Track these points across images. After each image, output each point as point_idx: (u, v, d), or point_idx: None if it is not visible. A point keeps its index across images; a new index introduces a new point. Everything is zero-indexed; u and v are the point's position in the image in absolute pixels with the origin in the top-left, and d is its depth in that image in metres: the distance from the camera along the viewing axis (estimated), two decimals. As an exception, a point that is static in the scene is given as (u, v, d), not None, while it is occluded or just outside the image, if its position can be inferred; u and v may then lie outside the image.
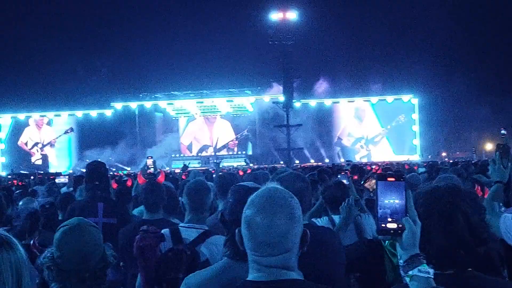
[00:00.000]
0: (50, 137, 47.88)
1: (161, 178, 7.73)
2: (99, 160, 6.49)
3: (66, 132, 46.87)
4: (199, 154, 46.34)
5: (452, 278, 2.35)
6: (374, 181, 5.24)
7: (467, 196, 2.46)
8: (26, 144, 48.04)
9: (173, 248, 3.75)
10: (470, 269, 2.38)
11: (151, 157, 8.16)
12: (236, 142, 47.05)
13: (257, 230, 2.15)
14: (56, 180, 10.44)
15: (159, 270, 3.51)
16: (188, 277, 2.88)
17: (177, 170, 21.30)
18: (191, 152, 47.10)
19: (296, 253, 2.21)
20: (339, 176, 5.60)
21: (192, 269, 3.43)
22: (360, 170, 10.34)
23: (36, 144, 48.06)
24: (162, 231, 3.95)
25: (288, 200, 2.21)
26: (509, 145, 3.99)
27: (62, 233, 2.87)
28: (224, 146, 47.43)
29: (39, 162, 47.46)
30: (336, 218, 5.23)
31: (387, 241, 4.19)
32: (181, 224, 4.15)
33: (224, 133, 47.56)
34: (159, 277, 3.54)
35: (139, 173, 7.98)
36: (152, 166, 7.84)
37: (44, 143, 47.90)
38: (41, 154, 48.23)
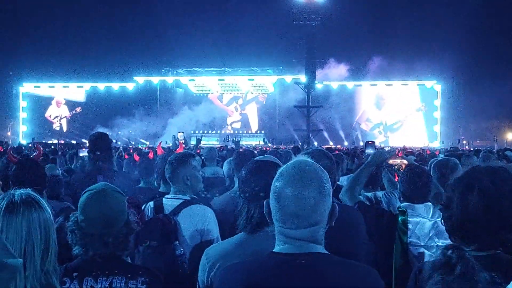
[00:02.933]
0: (66, 112, 49.12)
1: (179, 150, 7.74)
2: (101, 131, 6.45)
3: (74, 111, 47.98)
4: (218, 131, 46.38)
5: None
6: (398, 159, 5.23)
7: (504, 173, 2.44)
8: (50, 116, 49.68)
9: (150, 218, 3.98)
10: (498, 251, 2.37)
11: (182, 132, 8.18)
12: (265, 95, 47.03)
13: (286, 201, 2.15)
14: (80, 154, 10.51)
15: (137, 238, 3.61)
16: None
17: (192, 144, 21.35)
18: (221, 102, 47.49)
19: (324, 227, 2.22)
20: (367, 150, 5.59)
21: (168, 238, 3.75)
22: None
23: (56, 116, 49.48)
24: (148, 204, 4.20)
25: (319, 173, 2.21)
26: None
27: (86, 197, 2.90)
28: (254, 98, 47.48)
29: (57, 128, 49.57)
30: (370, 195, 5.24)
31: (400, 218, 4.21)
32: (166, 196, 4.25)
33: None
34: (137, 245, 3.67)
35: (158, 144, 7.98)
36: (183, 140, 7.86)
37: (62, 116, 49.45)
38: (59, 123, 49.83)
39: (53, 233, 2.38)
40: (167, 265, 3.72)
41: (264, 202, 2.29)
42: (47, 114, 49.57)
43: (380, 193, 5.50)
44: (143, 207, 4.20)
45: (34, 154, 5.62)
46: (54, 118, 49.60)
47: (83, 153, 10.04)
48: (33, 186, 4.12)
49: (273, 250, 2.24)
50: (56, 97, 49.03)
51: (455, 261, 1.93)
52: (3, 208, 2.29)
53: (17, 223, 2.27)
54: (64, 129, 49.10)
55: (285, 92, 43.54)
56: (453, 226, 2.42)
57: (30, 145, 29.85)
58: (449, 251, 1.96)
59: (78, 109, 48.56)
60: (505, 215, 2.34)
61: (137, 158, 7.95)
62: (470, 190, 2.38)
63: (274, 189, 2.22)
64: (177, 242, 3.85)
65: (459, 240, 2.39)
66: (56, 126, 49.50)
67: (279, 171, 2.26)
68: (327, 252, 2.22)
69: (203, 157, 8.55)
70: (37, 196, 2.40)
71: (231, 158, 6.12)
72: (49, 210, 2.40)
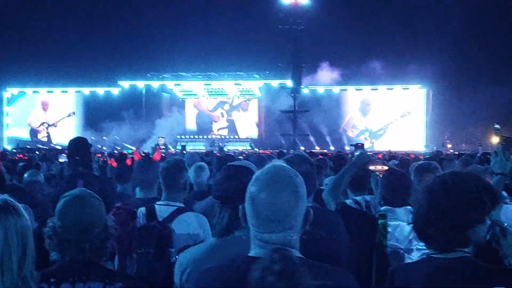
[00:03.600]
0: (54, 118, 48.33)
1: (157, 156, 7.73)
2: (80, 136, 6.45)
3: (69, 116, 47.34)
4: (204, 136, 46.31)
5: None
6: (379, 165, 5.26)
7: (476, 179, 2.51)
8: (31, 123, 48.79)
9: (145, 224, 3.87)
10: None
11: (163, 138, 8.16)
12: (249, 102, 46.98)
13: (261, 206, 2.17)
14: (60, 160, 10.41)
15: (131, 245, 3.59)
16: (181, 254, 2.92)
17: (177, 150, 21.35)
18: (207, 108, 47.51)
19: (299, 231, 2.23)
20: (357, 152, 5.62)
21: (163, 245, 3.67)
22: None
23: (42, 123, 48.61)
24: (139, 209, 4.05)
25: (293, 178, 2.23)
26: None
27: (63, 203, 2.90)
28: (236, 106, 47.43)
29: (45, 139, 47.89)
30: (359, 198, 5.27)
31: (380, 221, 4.26)
32: (158, 202, 4.23)
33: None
34: (131, 252, 3.64)
35: (135, 150, 7.98)
36: (164, 146, 7.85)
37: (50, 123, 48.47)
38: (46, 132, 48.73)
39: (30, 239, 2.38)
40: (162, 273, 3.71)
41: (240, 206, 2.31)
42: (30, 120, 48.48)
43: (368, 197, 5.53)
44: None
45: None
46: (40, 125, 48.60)
47: (63, 158, 10.01)
48: None
49: (249, 254, 2.26)
50: (43, 98, 48.15)
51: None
52: None
53: None
54: (53, 139, 47.72)
55: (272, 96, 43.56)
56: (415, 227, 2.54)
57: (14, 150, 29.75)
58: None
59: (72, 114, 47.78)
60: (453, 215, 2.42)
61: (114, 164, 7.96)
62: (422, 191, 2.49)
63: (249, 193, 2.23)
64: (173, 249, 3.84)
65: (424, 241, 2.51)
66: (42, 135, 48.42)
67: (254, 175, 2.28)
68: (301, 256, 2.23)
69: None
70: (14, 202, 2.40)
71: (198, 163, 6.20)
72: (26, 216, 2.40)
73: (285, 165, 2.32)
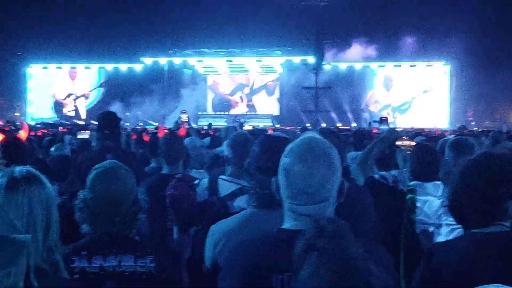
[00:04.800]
0: (84, 89, 48.14)
1: (182, 131, 7.69)
2: (110, 110, 6.43)
3: (100, 86, 47.31)
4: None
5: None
6: (407, 141, 5.21)
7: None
8: (56, 95, 48.50)
9: (205, 200, 3.75)
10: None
11: (185, 111, 8.12)
12: (277, 83, 46.82)
13: (295, 178, 2.15)
14: (79, 136, 10.26)
15: (192, 219, 3.52)
16: (214, 225, 2.89)
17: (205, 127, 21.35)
18: (224, 92, 47.22)
19: (333, 203, 2.21)
20: (382, 126, 5.56)
21: None
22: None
23: (69, 95, 48.36)
24: (202, 181, 3.89)
25: (328, 150, 2.20)
26: None
27: (95, 175, 2.90)
28: (263, 87, 47.28)
29: (72, 113, 47.86)
30: (385, 174, 5.21)
31: (408, 196, 4.21)
32: (222, 177, 4.00)
33: (263, 76, 47.57)
34: (190, 226, 3.56)
35: (160, 125, 7.95)
36: (187, 120, 7.81)
37: (78, 95, 48.18)
38: (74, 106, 48.50)
39: (54, 210, 2.38)
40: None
41: (273, 178, 2.28)
42: (55, 92, 48.18)
43: (395, 172, 5.48)
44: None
45: (20, 131, 5.64)
46: (66, 97, 48.38)
47: (82, 135, 9.98)
48: (17, 161, 4.14)
49: (282, 227, 2.24)
50: (64, 68, 47.73)
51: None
52: (3, 185, 2.29)
53: (18, 200, 2.26)
54: (83, 114, 47.70)
55: (293, 73, 43.36)
56: (451, 208, 2.51)
57: (38, 125, 29.98)
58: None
59: (104, 84, 47.53)
60: (488, 191, 2.40)
61: (146, 138, 7.96)
62: (457, 174, 2.47)
63: (283, 165, 2.21)
64: None
65: (461, 222, 2.48)
66: (69, 110, 48.26)
67: (288, 147, 2.25)
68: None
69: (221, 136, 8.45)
70: (38, 173, 2.40)
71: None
72: (50, 187, 2.40)
73: (318, 136, 2.29)
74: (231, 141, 4.11)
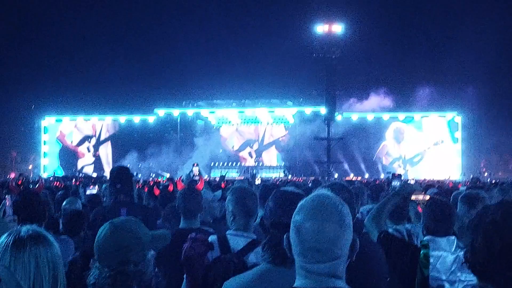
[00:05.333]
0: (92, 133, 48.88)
1: (200, 185, 7.68)
2: (122, 165, 6.46)
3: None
4: (241, 162, 46.26)
5: None
6: (421, 195, 5.18)
7: None
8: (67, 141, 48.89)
9: (221, 257, 3.69)
10: None
11: (197, 165, 8.14)
12: (287, 137, 46.80)
13: (307, 235, 2.13)
14: (87, 192, 10.12)
15: (207, 279, 3.48)
16: (228, 281, 2.87)
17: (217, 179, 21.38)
18: (232, 148, 47.12)
19: (345, 261, 2.19)
20: (394, 182, 5.56)
21: None
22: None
23: (87, 138, 48.84)
24: (210, 239, 3.87)
25: (339, 207, 2.19)
26: None
27: (100, 231, 2.88)
28: (272, 142, 47.29)
29: (90, 168, 48.03)
30: (400, 227, 5.17)
31: (422, 251, 4.16)
32: (229, 232, 4.00)
33: (272, 130, 47.55)
34: (206, 286, 3.50)
35: (178, 179, 7.94)
36: (198, 174, 7.81)
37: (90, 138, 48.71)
38: (93, 156, 48.88)
39: (61, 268, 2.37)
40: None
41: (285, 235, 2.27)
42: (69, 140, 48.78)
43: (409, 226, 5.44)
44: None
45: (36, 186, 5.65)
46: (81, 142, 48.80)
47: (91, 190, 9.95)
48: (30, 218, 4.13)
49: (294, 285, 2.22)
50: (78, 120, 48.52)
51: None
52: (10, 244, 2.29)
53: (25, 259, 2.26)
54: (104, 158, 48.39)
55: (305, 124, 43.54)
56: (472, 264, 2.42)
57: (51, 178, 30.13)
58: None
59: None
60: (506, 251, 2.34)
61: (157, 192, 7.96)
62: (474, 226, 2.40)
63: (294, 222, 2.20)
64: None
65: (483, 279, 2.39)
66: (86, 162, 48.78)
67: (299, 204, 2.24)
68: (348, 287, 2.19)
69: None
70: (44, 232, 2.40)
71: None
72: (56, 245, 2.39)
73: (330, 193, 2.29)
74: (234, 195, 4.09)
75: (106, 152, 48.33)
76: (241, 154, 47.46)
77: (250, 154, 47.28)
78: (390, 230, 4.73)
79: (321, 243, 2.11)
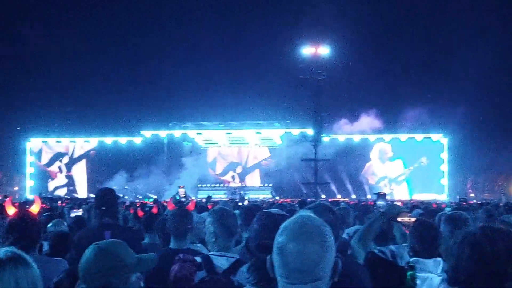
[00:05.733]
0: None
1: (191, 206, 7.69)
2: (108, 187, 6.48)
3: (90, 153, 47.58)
4: (224, 184, 46.17)
5: None
6: (407, 217, 5.21)
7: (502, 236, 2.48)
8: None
9: (209, 276, 3.71)
10: None
11: (183, 186, 8.15)
12: (270, 161, 46.81)
13: (289, 257, 2.14)
14: (72, 214, 10.06)
15: None
16: None
17: (203, 200, 21.33)
18: (214, 172, 47.08)
19: (327, 282, 2.20)
20: (379, 201, 5.60)
21: None
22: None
23: (57, 157, 48.48)
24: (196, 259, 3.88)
25: (321, 228, 2.20)
26: None
27: (84, 254, 2.89)
28: (256, 165, 47.27)
29: (63, 191, 47.66)
30: (384, 249, 5.19)
31: (408, 273, 4.18)
32: (212, 253, 4.04)
33: (256, 152, 47.52)
34: None
35: (169, 200, 7.95)
36: (184, 195, 7.83)
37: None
38: (66, 176, 48.55)
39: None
40: None
41: (268, 257, 2.29)
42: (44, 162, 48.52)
43: (393, 247, 5.45)
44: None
45: (32, 206, 5.61)
46: (52, 161, 48.47)
47: (76, 212, 9.92)
48: (24, 239, 4.12)
49: (277, 306, 2.23)
50: (64, 142, 48.26)
51: None
52: None
53: (4, 280, 2.27)
54: (78, 182, 48.09)
55: (292, 145, 43.62)
56: (454, 281, 2.47)
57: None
58: None
59: (92, 153, 48.01)
60: (503, 270, 2.39)
61: (140, 213, 7.96)
62: (458, 246, 2.45)
63: (277, 243, 2.21)
64: None
65: None
66: (58, 183, 48.43)
67: (282, 225, 2.26)
68: (330, 307, 2.20)
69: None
70: (22, 253, 2.40)
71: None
72: (35, 267, 2.40)
73: (312, 214, 2.31)
74: (215, 217, 4.15)
75: (80, 171, 48.08)
76: (224, 178, 47.27)
77: (233, 177, 47.14)
78: (376, 252, 4.75)
79: (304, 265, 2.13)
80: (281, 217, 2.86)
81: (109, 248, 2.90)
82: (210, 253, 4.06)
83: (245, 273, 3.72)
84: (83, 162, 48.34)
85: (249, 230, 3.01)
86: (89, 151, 48.04)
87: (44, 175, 48.30)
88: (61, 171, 48.50)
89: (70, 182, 48.33)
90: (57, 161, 48.49)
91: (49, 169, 48.47)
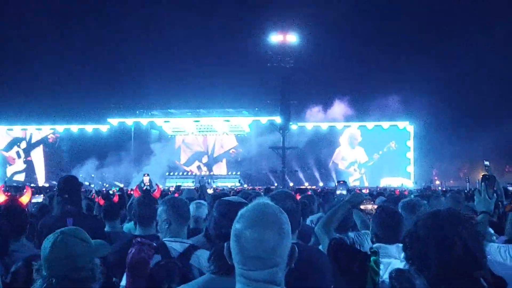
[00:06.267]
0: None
1: (157, 193, 7.67)
2: (71, 175, 6.46)
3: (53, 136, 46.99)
4: (191, 173, 46.06)
5: None
6: (370, 204, 5.28)
7: (466, 222, 2.49)
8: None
9: (165, 260, 3.77)
10: None
11: (148, 175, 8.11)
12: (238, 150, 46.85)
13: (246, 243, 2.14)
14: (33, 200, 9.96)
15: (151, 282, 3.50)
16: None
17: (172, 189, 21.26)
18: (179, 161, 46.99)
19: (284, 268, 2.21)
20: (339, 190, 5.67)
21: (186, 282, 3.45)
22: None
23: (16, 142, 47.83)
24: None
25: (278, 215, 2.21)
26: (495, 176, 4.13)
27: (47, 240, 2.88)
28: (223, 154, 47.26)
29: (21, 176, 47.16)
30: (344, 236, 5.24)
31: (372, 258, 4.22)
32: (166, 239, 4.15)
33: (223, 141, 47.45)
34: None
35: (135, 187, 7.93)
36: (148, 183, 7.81)
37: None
38: (24, 162, 47.96)
39: None
40: None
41: (225, 244, 2.29)
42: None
43: (351, 234, 5.49)
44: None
45: (23, 196, 5.56)
46: (10, 147, 47.65)
47: (36, 199, 9.84)
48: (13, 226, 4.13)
49: (234, 293, 2.24)
50: (30, 129, 47.51)
51: None
52: None
53: None
54: (38, 168, 47.42)
55: (261, 133, 43.68)
56: (428, 277, 2.47)
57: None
58: None
59: (51, 137, 47.49)
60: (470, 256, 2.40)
61: (101, 202, 7.92)
62: (448, 243, 2.44)
63: (234, 231, 2.21)
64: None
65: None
66: (17, 168, 47.76)
67: (239, 212, 2.25)
68: (286, 293, 2.21)
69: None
70: None
71: (198, 200, 6.20)
72: None
73: (269, 202, 2.32)
74: (168, 204, 4.27)
75: (39, 157, 47.55)
76: (190, 168, 47.15)
77: (199, 167, 47.07)
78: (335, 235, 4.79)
79: (261, 251, 2.13)
80: (240, 205, 2.85)
81: (74, 233, 2.92)
82: (164, 239, 4.15)
83: (200, 258, 3.81)
84: (40, 148, 47.66)
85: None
86: (46, 136, 47.34)
87: (1, 161, 47.64)
88: (19, 157, 47.80)
89: (29, 168, 47.59)
90: (15, 146, 47.75)
91: (6, 154, 47.75)
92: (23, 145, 47.69)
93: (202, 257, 3.89)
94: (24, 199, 5.58)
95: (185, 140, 47.22)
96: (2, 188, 5.68)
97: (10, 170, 47.57)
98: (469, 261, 2.37)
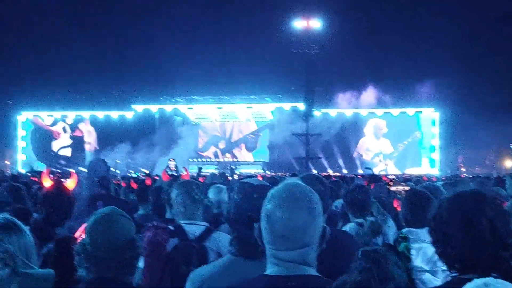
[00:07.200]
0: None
1: (185, 177, 7.71)
2: (99, 158, 6.53)
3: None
4: (210, 159, 46.14)
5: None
6: (401, 186, 5.24)
7: (492, 202, 2.45)
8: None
9: (182, 243, 3.81)
10: (494, 274, 2.35)
11: (173, 159, 8.16)
12: (259, 135, 46.78)
13: (277, 223, 2.14)
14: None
15: (167, 265, 3.53)
16: (193, 272, 2.87)
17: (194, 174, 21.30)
18: (197, 147, 47.12)
19: (315, 249, 2.19)
20: (365, 171, 5.67)
21: (203, 264, 3.46)
22: (377, 179, 10.34)
23: (63, 118, 48.16)
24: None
25: (309, 195, 2.19)
26: None
27: (93, 220, 2.90)
28: (242, 139, 47.25)
29: (67, 151, 47.85)
30: (361, 221, 5.21)
31: (402, 244, 4.18)
32: (182, 221, 4.17)
33: (241, 126, 47.41)
34: (168, 273, 3.56)
35: (162, 172, 7.99)
36: (175, 168, 7.87)
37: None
38: (70, 137, 48.30)
39: (34, 255, 2.38)
40: None
41: (255, 225, 2.28)
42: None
43: (372, 218, 5.44)
44: None
45: (68, 182, 5.66)
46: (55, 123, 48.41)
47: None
48: (56, 213, 4.20)
49: (264, 273, 2.22)
50: (55, 115, 48.23)
51: None
52: None
53: None
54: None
55: (284, 120, 43.52)
56: (455, 258, 2.42)
57: (29, 173, 29.79)
58: None
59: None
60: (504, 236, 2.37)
61: (134, 185, 7.97)
62: (473, 221, 2.39)
63: (264, 211, 2.20)
64: None
65: (461, 270, 2.40)
66: (61, 144, 48.54)
67: (269, 193, 2.25)
68: (319, 275, 2.19)
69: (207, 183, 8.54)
70: (14, 219, 2.39)
71: (217, 185, 6.21)
72: (29, 235, 2.39)
73: (300, 182, 2.30)
74: (182, 188, 4.31)
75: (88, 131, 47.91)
76: (206, 153, 47.14)
77: (215, 154, 47.12)
78: (350, 225, 4.80)
79: (291, 231, 2.12)
80: (263, 187, 2.83)
81: (119, 212, 2.99)
82: (181, 221, 4.18)
83: (218, 241, 3.88)
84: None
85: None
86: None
87: (45, 137, 48.05)
88: (65, 131, 48.29)
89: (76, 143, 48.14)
90: (60, 121, 48.18)
91: (52, 128, 48.16)
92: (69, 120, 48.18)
93: (220, 239, 3.92)
94: (70, 184, 5.64)
95: (203, 125, 47.07)
96: (49, 173, 5.75)
97: (56, 145, 48.20)
98: (496, 240, 2.34)
